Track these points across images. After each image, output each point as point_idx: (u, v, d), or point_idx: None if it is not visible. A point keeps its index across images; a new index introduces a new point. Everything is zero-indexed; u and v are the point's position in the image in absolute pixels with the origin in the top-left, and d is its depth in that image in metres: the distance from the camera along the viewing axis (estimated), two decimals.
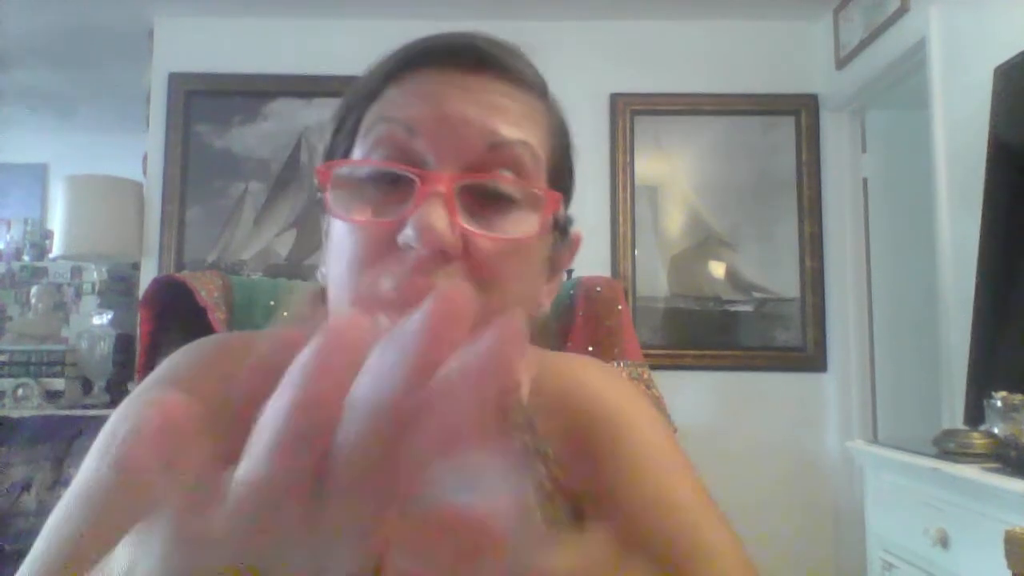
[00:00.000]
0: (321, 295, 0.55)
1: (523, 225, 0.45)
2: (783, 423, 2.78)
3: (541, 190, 0.47)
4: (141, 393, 0.52)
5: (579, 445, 0.56)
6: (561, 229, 0.52)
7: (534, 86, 0.50)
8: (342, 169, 0.47)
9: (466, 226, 0.43)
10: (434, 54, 0.48)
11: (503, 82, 0.48)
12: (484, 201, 0.45)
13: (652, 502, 0.51)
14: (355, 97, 0.50)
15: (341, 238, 0.46)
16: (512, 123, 0.46)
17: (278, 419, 0.19)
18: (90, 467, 0.48)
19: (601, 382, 0.59)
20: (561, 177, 0.52)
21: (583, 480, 0.55)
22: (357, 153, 0.47)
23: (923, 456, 1.55)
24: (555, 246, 0.53)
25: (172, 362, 0.55)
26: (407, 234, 0.42)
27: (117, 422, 0.51)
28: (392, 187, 0.45)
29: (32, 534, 0.44)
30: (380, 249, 0.43)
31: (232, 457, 0.23)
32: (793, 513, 2.70)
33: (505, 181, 0.45)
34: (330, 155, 0.51)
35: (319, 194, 0.47)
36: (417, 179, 0.43)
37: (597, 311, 0.94)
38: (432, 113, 0.45)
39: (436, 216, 0.41)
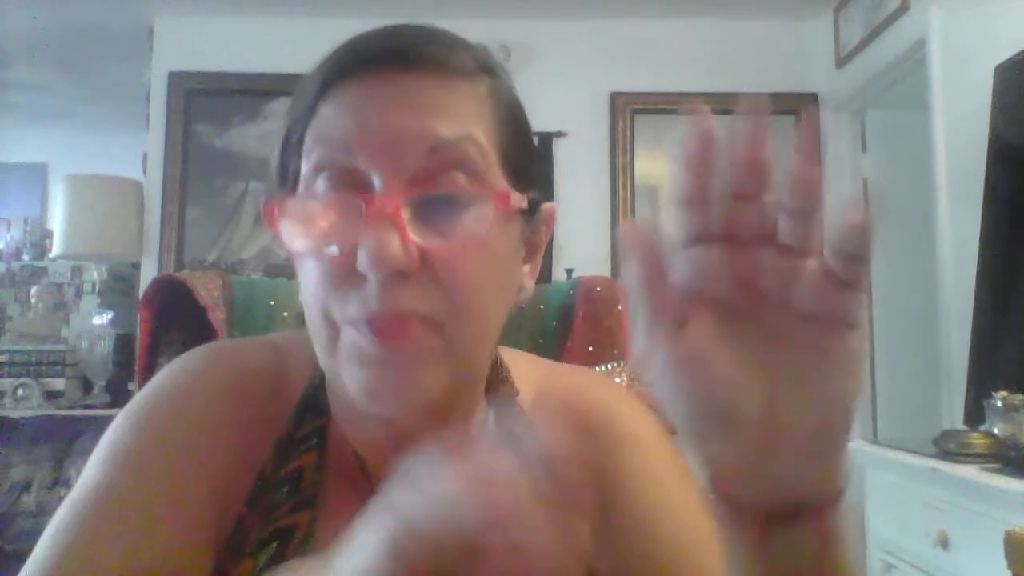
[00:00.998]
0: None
1: (480, 220, 0.45)
2: None
3: (488, 189, 0.46)
4: (144, 406, 0.52)
5: (583, 456, 0.57)
6: (527, 210, 0.50)
7: (471, 70, 0.48)
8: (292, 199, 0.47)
9: (418, 241, 0.43)
10: (359, 60, 0.46)
11: (436, 75, 0.46)
12: (436, 205, 0.44)
13: (653, 527, 0.53)
14: (294, 114, 0.49)
15: (306, 267, 0.46)
16: (451, 119, 0.45)
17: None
18: (104, 481, 0.48)
19: (607, 397, 0.60)
20: (516, 158, 0.50)
21: (586, 490, 0.56)
22: (303, 171, 0.47)
23: (923, 456, 1.55)
24: (526, 227, 0.52)
25: (171, 373, 0.55)
26: (361, 262, 0.42)
27: (120, 429, 0.51)
28: (343, 207, 0.45)
29: (32, 535, 0.45)
30: (342, 276, 0.44)
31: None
32: None
33: (451, 186, 0.45)
34: (281, 173, 0.51)
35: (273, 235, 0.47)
36: (363, 204, 0.43)
37: (597, 311, 0.94)
38: (365, 128, 0.44)
39: (386, 240, 0.41)
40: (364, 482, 0.52)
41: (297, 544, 0.49)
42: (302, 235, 0.45)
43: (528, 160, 0.52)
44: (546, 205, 0.54)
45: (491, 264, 0.46)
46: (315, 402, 0.54)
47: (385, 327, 0.43)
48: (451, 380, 0.46)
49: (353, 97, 0.46)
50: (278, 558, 0.49)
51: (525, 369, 0.60)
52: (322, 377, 0.55)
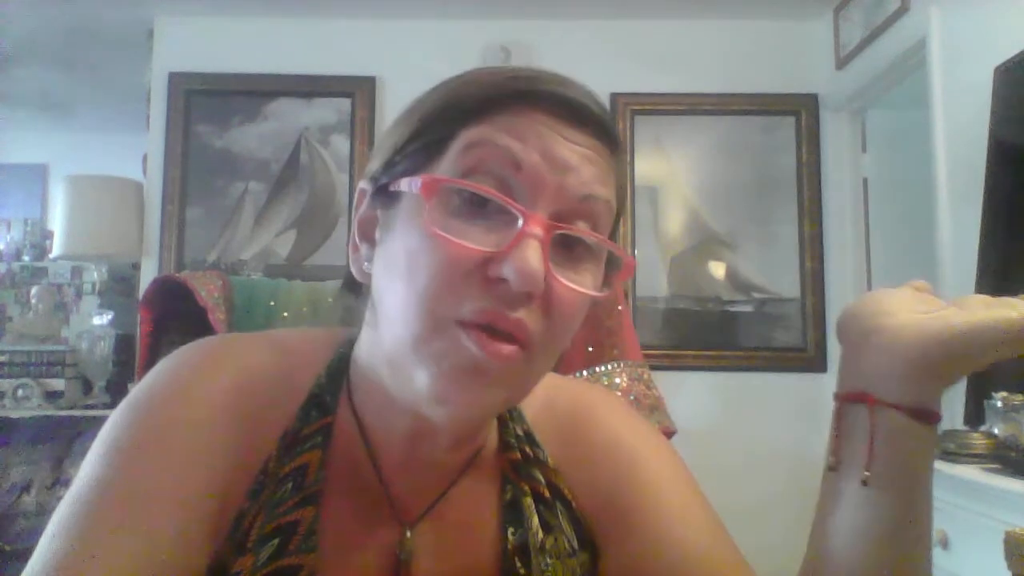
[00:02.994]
0: (352, 286, 0.56)
1: (591, 275, 0.49)
2: (783, 423, 2.78)
3: (622, 254, 0.51)
4: (142, 400, 0.52)
5: (586, 465, 0.60)
6: None
7: (616, 145, 0.52)
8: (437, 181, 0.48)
9: (555, 274, 0.46)
10: (545, 98, 0.49)
11: (597, 139, 0.50)
12: (570, 245, 0.48)
13: (670, 537, 0.55)
14: (447, 111, 0.49)
15: (419, 248, 0.46)
16: (601, 180, 0.49)
17: None
18: (104, 476, 0.48)
19: (611, 412, 0.63)
20: (617, 225, 0.55)
21: (588, 496, 0.59)
22: (445, 166, 0.47)
23: None
24: None
25: (170, 366, 0.55)
26: (507, 270, 0.44)
27: (118, 424, 0.51)
28: (479, 209, 0.46)
29: (32, 534, 0.45)
30: (468, 272, 0.45)
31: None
32: (793, 513, 2.69)
33: (593, 237, 0.49)
34: (395, 159, 0.51)
35: (424, 206, 0.46)
36: (522, 218, 0.45)
37: (597, 311, 0.94)
38: (542, 154, 0.47)
39: (536, 261, 0.44)
40: (373, 474, 0.54)
41: (299, 540, 0.50)
42: (447, 223, 0.46)
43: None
44: None
45: (585, 310, 0.50)
46: (321, 400, 0.55)
47: (501, 329, 0.45)
48: (505, 403, 0.49)
49: (533, 121, 0.48)
50: (279, 554, 0.49)
51: None
52: (329, 376, 0.56)
